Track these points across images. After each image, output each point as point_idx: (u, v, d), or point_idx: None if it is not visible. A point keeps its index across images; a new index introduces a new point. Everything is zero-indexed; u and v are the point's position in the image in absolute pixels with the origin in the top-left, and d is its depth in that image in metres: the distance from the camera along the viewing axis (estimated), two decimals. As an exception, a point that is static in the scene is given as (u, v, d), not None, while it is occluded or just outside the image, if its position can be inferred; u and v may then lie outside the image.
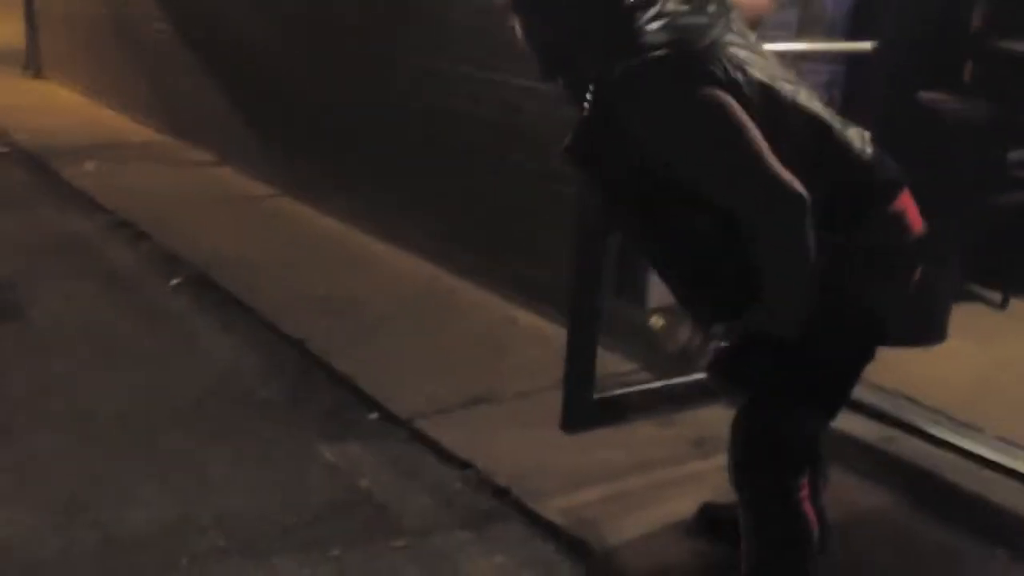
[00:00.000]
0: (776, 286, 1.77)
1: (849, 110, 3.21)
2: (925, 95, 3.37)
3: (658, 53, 1.74)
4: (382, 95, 4.82)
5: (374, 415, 3.23)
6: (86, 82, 8.63)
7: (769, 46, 3.29)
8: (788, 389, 1.89)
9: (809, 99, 1.88)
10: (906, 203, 1.91)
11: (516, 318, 4.02)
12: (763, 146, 1.71)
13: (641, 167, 1.82)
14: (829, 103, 1.97)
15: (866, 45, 3.05)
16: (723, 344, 1.85)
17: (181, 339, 3.82)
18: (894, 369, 3.23)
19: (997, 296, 3.99)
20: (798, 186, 1.70)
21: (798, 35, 3.34)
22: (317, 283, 4.33)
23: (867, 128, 1.95)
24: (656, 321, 1.91)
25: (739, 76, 1.76)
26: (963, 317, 3.71)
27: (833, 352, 1.90)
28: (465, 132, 4.32)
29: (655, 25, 1.78)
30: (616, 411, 2.81)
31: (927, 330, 3.52)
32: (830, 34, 3.41)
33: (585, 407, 2.74)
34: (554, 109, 3.80)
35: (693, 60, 1.75)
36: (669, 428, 3.07)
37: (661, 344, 1.90)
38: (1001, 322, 3.87)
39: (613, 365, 3.32)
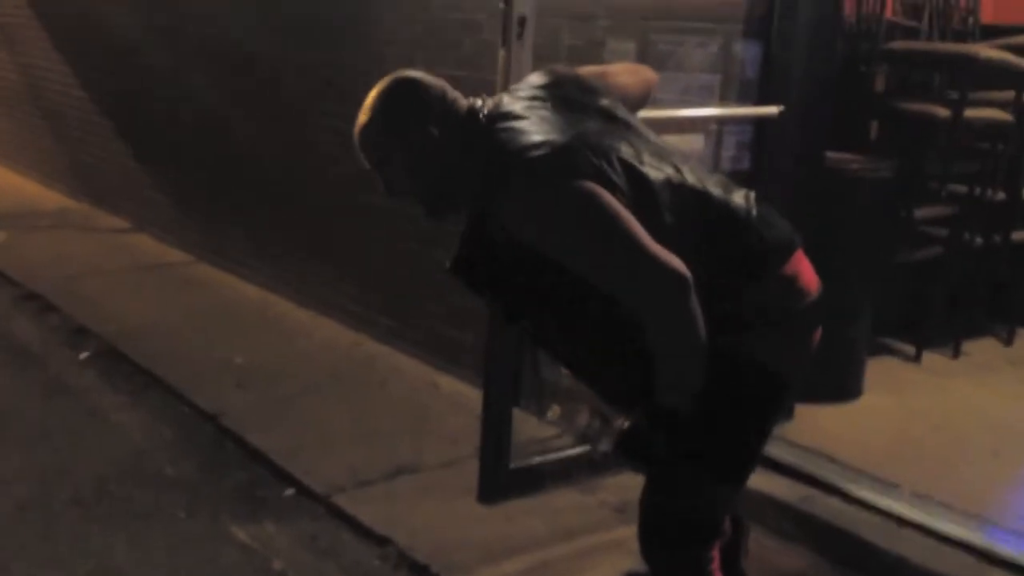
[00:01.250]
0: (667, 364, 1.77)
1: (760, 171, 3.31)
2: (832, 155, 3.46)
3: (527, 155, 1.76)
4: (302, 159, 4.78)
5: (290, 491, 3.13)
6: (-2, 148, 8.42)
7: (684, 112, 3.37)
8: (693, 461, 1.87)
9: (681, 171, 1.88)
10: (799, 265, 1.91)
11: (438, 383, 3.97)
12: (637, 230, 1.72)
13: (527, 267, 1.83)
14: (731, 165, 2.00)
15: (773, 110, 3.12)
16: (624, 423, 1.83)
17: (87, 416, 3.67)
18: (811, 426, 3.27)
19: (911, 349, 4.07)
20: (676, 264, 1.71)
21: (720, 98, 3.41)
22: (235, 352, 4.22)
23: (780, 187, 1.97)
24: (554, 411, 1.91)
25: (603, 164, 1.78)
26: (878, 371, 3.77)
27: (735, 419, 1.89)
28: (382, 195, 4.29)
29: (512, 129, 1.82)
30: (535, 480, 2.78)
31: (842, 386, 3.57)
32: (748, 97, 3.49)
33: (502, 478, 2.70)
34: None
35: (558, 156, 1.76)
36: (591, 494, 3.03)
37: (562, 431, 1.89)
38: (916, 375, 3.94)
39: (533, 430, 3.29)
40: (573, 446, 2.77)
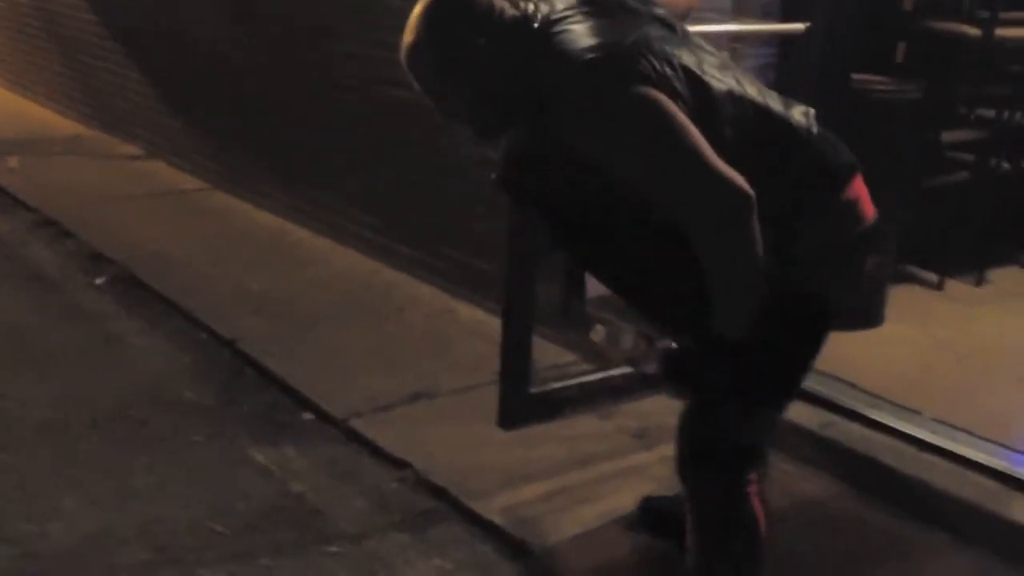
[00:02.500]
0: (724, 290, 1.70)
1: (783, 92, 3.22)
2: (858, 76, 3.36)
3: (586, 57, 1.67)
4: (317, 86, 4.70)
5: (308, 416, 3.14)
6: (9, 75, 8.34)
7: (701, 28, 3.26)
8: (741, 388, 1.83)
9: (743, 84, 1.81)
10: (860, 189, 1.84)
11: (456, 310, 3.95)
12: (701, 143, 1.64)
13: (581, 183, 1.75)
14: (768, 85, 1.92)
15: (799, 26, 3.02)
16: (671, 347, 1.78)
17: (105, 341, 3.68)
18: (832, 354, 3.21)
19: (933, 277, 4.01)
20: (741, 182, 1.63)
21: (733, 17, 3.30)
22: (251, 280, 4.21)
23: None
24: (597, 333, 1.82)
25: (667, 70, 1.69)
26: (900, 299, 3.72)
27: (786, 348, 1.84)
28: (401, 123, 4.22)
29: (569, 32, 1.71)
30: (554, 406, 2.76)
31: (866, 314, 3.52)
32: (765, 16, 3.38)
33: (522, 403, 2.68)
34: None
35: (620, 60, 1.67)
36: (609, 420, 3.03)
37: (605, 356, 1.83)
38: (938, 303, 3.89)
39: (553, 355, 3.28)
40: (607, 368, 2.73)
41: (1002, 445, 2.69)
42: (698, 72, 1.74)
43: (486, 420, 2.89)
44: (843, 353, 3.21)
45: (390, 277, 4.30)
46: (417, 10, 1.80)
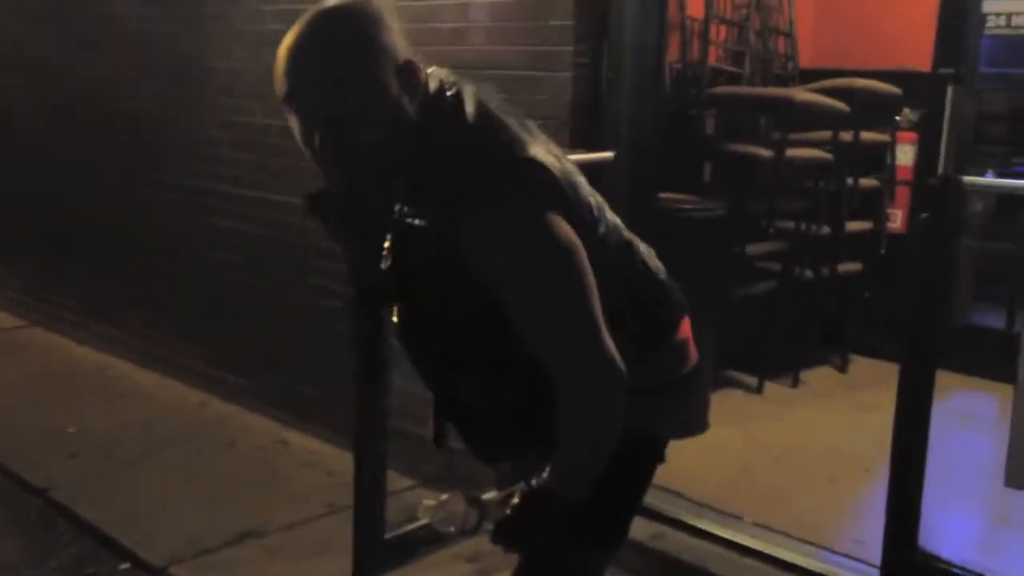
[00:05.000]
0: (574, 454, 1.57)
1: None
2: (666, 196, 3.56)
3: (518, 164, 1.47)
4: (141, 215, 4.60)
5: (125, 566, 2.96)
6: None
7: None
8: (576, 538, 1.73)
9: (616, 221, 1.69)
10: (687, 330, 1.78)
11: (288, 440, 3.85)
12: (596, 309, 1.50)
13: (454, 291, 1.55)
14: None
15: (607, 155, 3.19)
16: (503, 509, 1.68)
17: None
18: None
19: (753, 381, 4.21)
20: (620, 364, 1.52)
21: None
22: (69, 420, 3.99)
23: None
24: (426, 505, 1.72)
25: (571, 194, 1.51)
26: (723, 403, 3.88)
27: (618, 490, 1.75)
28: (228, 250, 4.18)
29: (501, 127, 1.51)
30: (408, 548, 2.70)
31: (691, 422, 3.64)
32: (579, 144, 3.54)
33: (375, 552, 2.61)
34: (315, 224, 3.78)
35: (551, 180, 1.48)
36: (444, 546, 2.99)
37: (436, 527, 1.71)
38: (757, 405, 4.07)
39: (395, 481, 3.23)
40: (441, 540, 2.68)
41: (816, 545, 2.80)
42: (593, 203, 1.59)
43: (318, 556, 2.80)
44: (670, 461, 3.32)
45: (219, 409, 4.17)
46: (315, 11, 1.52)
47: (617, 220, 1.69)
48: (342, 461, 3.61)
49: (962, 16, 2.33)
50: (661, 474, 3.06)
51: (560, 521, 1.62)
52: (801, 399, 4.18)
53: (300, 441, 3.82)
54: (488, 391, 1.69)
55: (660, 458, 1.85)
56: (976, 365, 3.98)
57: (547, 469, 1.58)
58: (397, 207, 1.55)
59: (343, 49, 1.45)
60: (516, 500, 1.59)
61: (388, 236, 1.60)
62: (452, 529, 1.64)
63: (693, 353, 1.80)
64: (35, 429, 3.91)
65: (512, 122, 1.54)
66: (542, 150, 1.52)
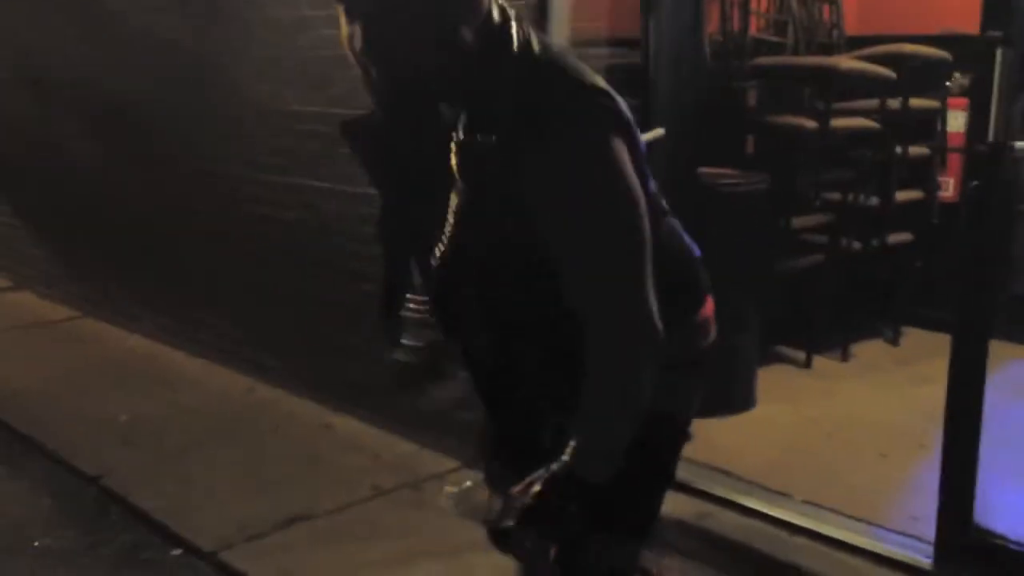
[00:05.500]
0: (599, 421, 1.51)
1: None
2: (707, 171, 3.50)
3: (594, 95, 1.44)
4: (183, 205, 4.65)
5: (177, 551, 3.01)
6: None
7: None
8: (603, 523, 1.75)
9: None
10: (711, 309, 1.75)
11: (333, 424, 3.88)
12: (649, 258, 1.46)
13: (505, 220, 1.48)
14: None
15: (659, 131, 3.12)
16: (527, 496, 1.62)
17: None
18: (707, 442, 3.28)
19: (802, 356, 4.14)
20: (659, 326, 1.47)
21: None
22: (120, 409, 4.06)
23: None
24: (448, 492, 1.66)
25: (634, 129, 1.47)
26: (771, 379, 3.82)
27: (649, 475, 1.71)
28: (269, 236, 4.21)
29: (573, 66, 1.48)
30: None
31: (734, 399, 3.60)
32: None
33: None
34: (348, 208, 3.78)
35: (609, 101, 1.44)
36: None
37: (458, 513, 1.64)
38: (806, 381, 4.00)
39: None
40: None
41: (867, 522, 2.75)
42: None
43: (364, 540, 2.81)
44: (716, 440, 3.29)
45: (266, 395, 4.20)
46: None
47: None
48: (387, 444, 3.64)
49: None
50: (707, 452, 3.04)
51: (585, 505, 1.54)
52: (851, 373, 4.10)
53: (345, 425, 3.84)
54: (521, 352, 1.64)
55: (685, 436, 1.79)
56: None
57: (568, 450, 1.50)
58: (454, 132, 1.46)
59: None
60: (538, 487, 1.51)
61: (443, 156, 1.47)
62: (472, 513, 1.59)
63: (713, 331, 1.75)
64: (88, 418, 3.98)
65: (573, 58, 1.51)
66: (604, 82, 1.48)
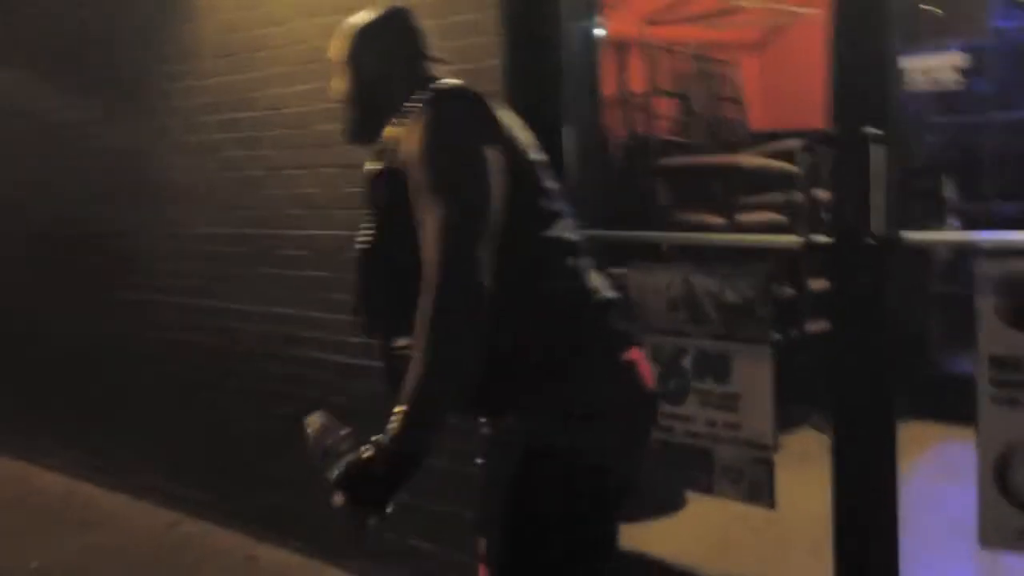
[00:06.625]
0: (420, 380, 1.53)
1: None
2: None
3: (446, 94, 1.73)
4: (97, 331, 4.55)
5: None
6: None
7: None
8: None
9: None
10: (638, 356, 1.76)
11: (258, 556, 3.73)
12: (483, 228, 1.60)
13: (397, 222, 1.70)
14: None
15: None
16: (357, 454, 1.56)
17: None
18: (636, 533, 3.22)
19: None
20: (483, 280, 1.55)
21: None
22: (31, 554, 3.86)
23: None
24: (312, 421, 1.68)
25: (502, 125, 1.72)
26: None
27: (572, 520, 1.66)
28: (187, 362, 4.12)
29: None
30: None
31: (665, 498, 3.55)
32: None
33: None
34: (270, 329, 3.74)
35: (475, 105, 1.71)
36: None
37: (309, 444, 1.66)
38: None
39: None
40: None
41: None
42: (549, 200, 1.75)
43: None
44: (647, 530, 3.23)
45: (191, 528, 4.05)
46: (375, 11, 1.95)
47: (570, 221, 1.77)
48: (315, 573, 3.51)
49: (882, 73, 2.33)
50: (637, 541, 2.94)
51: (393, 473, 1.55)
52: (780, 463, 4.07)
53: (270, 556, 3.71)
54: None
55: (617, 500, 1.74)
56: (956, 413, 3.89)
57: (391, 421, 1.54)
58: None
59: (390, 40, 1.92)
60: (367, 454, 1.55)
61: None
62: (315, 445, 1.60)
63: (646, 384, 1.76)
64: (-3, 567, 3.79)
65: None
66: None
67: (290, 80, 3.51)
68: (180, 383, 4.17)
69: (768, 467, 2.83)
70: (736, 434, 2.85)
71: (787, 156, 4.18)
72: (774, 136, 4.58)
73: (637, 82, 4.33)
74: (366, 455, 1.56)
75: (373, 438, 1.57)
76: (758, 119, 5.03)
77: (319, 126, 3.39)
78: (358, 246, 1.81)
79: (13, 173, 4.95)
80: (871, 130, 2.25)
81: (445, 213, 1.58)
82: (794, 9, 4.78)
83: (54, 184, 4.68)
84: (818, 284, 4.40)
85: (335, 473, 1.55)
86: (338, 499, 1.57)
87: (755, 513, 3.54)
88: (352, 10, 2.01)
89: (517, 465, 1.66)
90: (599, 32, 3.14)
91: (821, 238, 2.42)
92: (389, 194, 1.72)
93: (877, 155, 2.20)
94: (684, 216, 4.09)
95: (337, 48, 1.94)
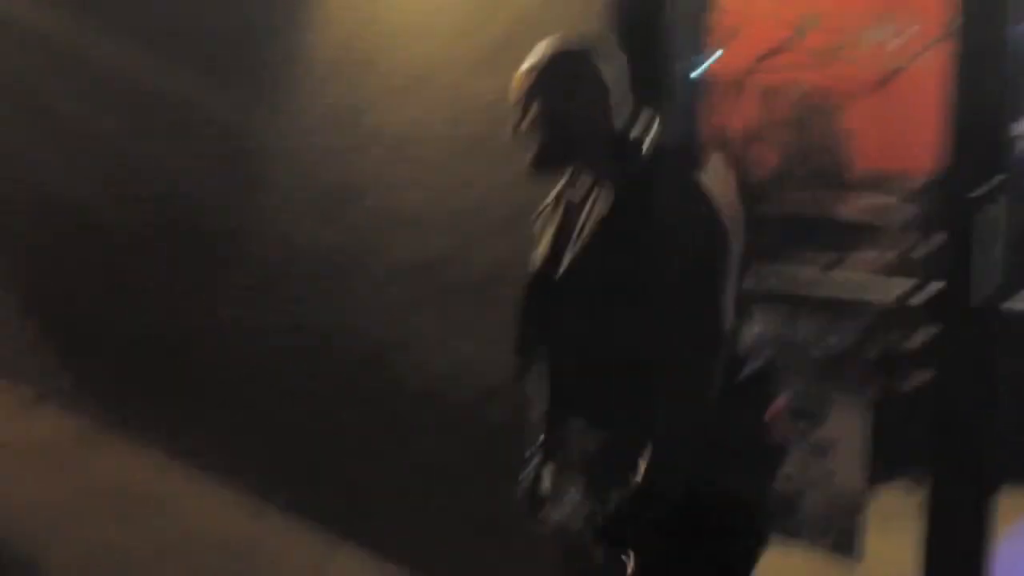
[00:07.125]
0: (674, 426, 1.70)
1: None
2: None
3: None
4: (209, 322, 4.64)
5: None
6: None
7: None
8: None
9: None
10: (778, 412, 1.93)
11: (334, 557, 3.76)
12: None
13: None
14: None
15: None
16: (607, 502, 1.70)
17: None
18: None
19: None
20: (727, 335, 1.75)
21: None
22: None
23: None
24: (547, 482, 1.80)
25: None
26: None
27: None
28: (291, 365, 4.16)
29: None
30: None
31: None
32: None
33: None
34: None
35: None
36: None
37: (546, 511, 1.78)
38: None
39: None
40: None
41: None
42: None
43: None
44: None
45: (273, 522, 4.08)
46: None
47: None
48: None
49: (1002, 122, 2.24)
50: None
51: (657, 519, 1.68)
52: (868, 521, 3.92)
53: (346, 559, 3.72)
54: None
55: (759, 537, 1.93)
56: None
57: (641, 467, 1.66)
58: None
59: (585, 76, 1.91)
60: (615, 503, 1.67)
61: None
62: (561, 510, 1.74)
63: (778, 435, 1.91)
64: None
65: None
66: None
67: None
68: (279, 383, 4.23)
69: (858, 518, 2.72)
70: (828, 483, 2.77)
71: (890, 207, 4.06)
72: (883, 179, 4.45)
73: (741, 123, 4.28)
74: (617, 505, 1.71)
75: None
76: (868, 158, 4.89)
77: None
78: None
79: (159, 162, 5.04)
80: (991, 180, 2.19)
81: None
82: (913, 51, 4.65)
83: (193, 176, 4.74)
84: (920, 338, 4.25)
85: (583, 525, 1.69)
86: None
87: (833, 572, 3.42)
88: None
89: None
90: (703, 71, 3.11)
91: (930, 291, 2.35)
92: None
93: (996, 207, 2.13)
94: (776, 265, 3.99)
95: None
